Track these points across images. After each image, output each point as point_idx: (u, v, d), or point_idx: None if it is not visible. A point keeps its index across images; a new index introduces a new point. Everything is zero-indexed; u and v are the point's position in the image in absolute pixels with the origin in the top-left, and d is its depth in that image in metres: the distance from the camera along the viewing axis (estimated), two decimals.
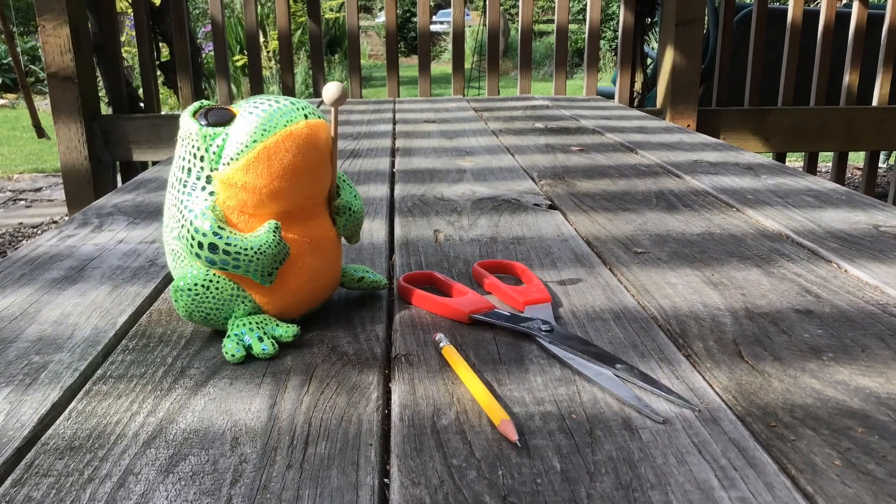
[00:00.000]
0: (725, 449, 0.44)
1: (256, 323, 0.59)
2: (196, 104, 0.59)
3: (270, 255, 0.57)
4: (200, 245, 0.57)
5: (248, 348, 0.57)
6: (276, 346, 0.58)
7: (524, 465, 0.43)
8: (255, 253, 0.56)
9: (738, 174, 1.22)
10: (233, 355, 0.56)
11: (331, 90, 0.56)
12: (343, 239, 0.66)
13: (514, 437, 0.45)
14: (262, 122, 0.55)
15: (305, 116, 0.56)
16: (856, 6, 2.48)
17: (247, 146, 0.55)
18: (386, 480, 0.43)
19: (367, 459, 0.44)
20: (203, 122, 0.57)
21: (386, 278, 0.71)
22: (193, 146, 0.57)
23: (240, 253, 0.56)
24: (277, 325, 0.59)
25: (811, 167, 2.77)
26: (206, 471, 0.43)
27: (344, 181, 0.65)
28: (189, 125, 0.57)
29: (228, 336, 0.58)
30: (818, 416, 0.48)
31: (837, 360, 0.56)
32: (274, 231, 0.57)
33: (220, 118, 0.57)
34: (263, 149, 0.55)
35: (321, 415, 0.49)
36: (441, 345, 0.57)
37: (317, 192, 0.60)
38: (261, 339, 0.57)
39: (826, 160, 4.01)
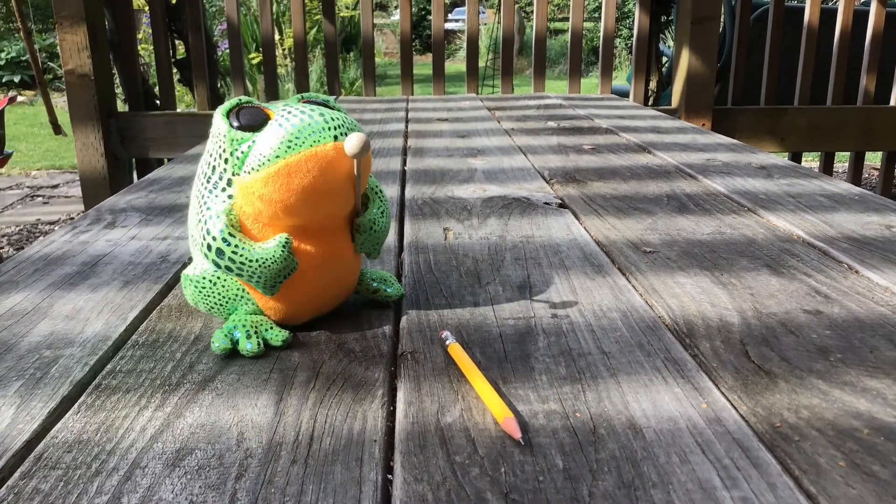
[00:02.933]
0: (729, 448, 0.44)
1: (252, 322, 0.59)
2: (234, 101, 0.58)
3: (275, 269, 0.57)
4: (209, 247, 0.57)
5: (236, 343, 0.58)
6: (262, 346, 0.58)
7: (527, 463, 0.43)
8: (260, 265, 0.57)
9: (751, 174, 1.22)
10: (217, 346, 0.57)
11: (352, 142, 0.54)
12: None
13: (517, 434, 0.46)
14: (288, 137, 0.54)
15: (335, 138, 0.54)
16: (874, 5, 2.46)
17: (269, 159, 0.54)
18: (389, 476, 0.43)
19: (371, 455, 0.44)
20: (234, 123, 0.56)
21: (398, 282, 0.70)
22: (220, 146, 0.57)
23: (244, 262, 0.57)
24: (271, 327, 0.60)
25: (827, 167, 2.75)
26: (211, 465, 0.44)
27: (376, 194, 0.63)
28: (220, 124, 0.57)
29: (220, 329, 0.59)
30: (824, 416, 0.48)
31: (845, 361, 0.56)
32: (283, 246, 0.57)
33: (252, 120, 0.56)
34: (285, 165, 0.54)
35: (327, 411, 0.49)
36: (447, 342, 0.58)
37: (337, 212, 0.59)
38: (248, 338, 0.58)
39: (843, 160, 3.97)
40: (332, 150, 0.54)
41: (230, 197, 0.57)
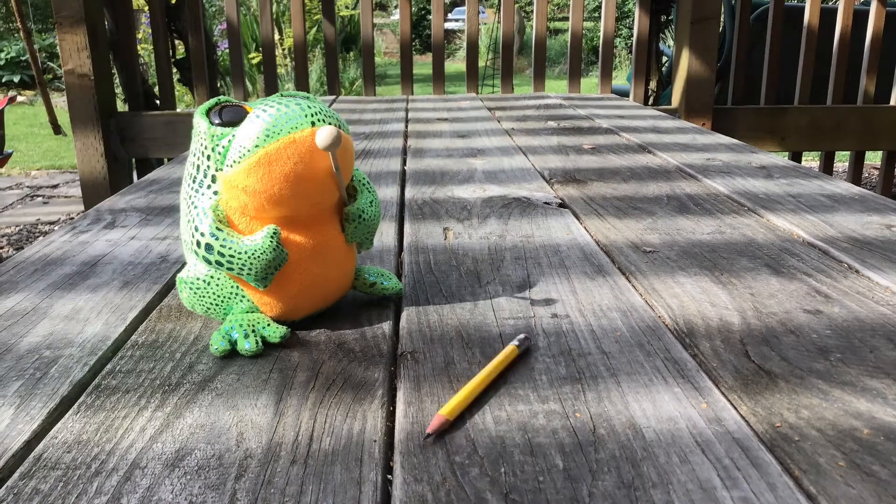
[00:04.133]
0: (729, 448, 0.44)
1: (248, 321, 0.59)
2: (213, 100, 0.59)
3: (265, 260, 0.57)
4: (198, 243, 0.57)
5: (234, 344, 0.58)
6: (261, 345, 0.58)
7: (527, 463, 0.43)
8: (249, 257, 0.57)
9: (751, 174, 1.22)
10: (216, 349, 0.57)
11: (322, 135, 0.54)
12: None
13: (430, 428, 0.46)
14: (266, 126, 0.55)
15: (313, 123, 0.55)
16: (874, 5, 2.46)
17: (249, 150, 0.55)
18: (389, 476, 0.43)
19: (370, 456, 0.44)
20: (216, 121, 0.57)
21: (399, 281, 0.70)
22: (202, 144, 0.58)
23: (234, 256, 0.57)
24: (268, 324, 0.60)
25: (828, 167, 2.75)
26: (211, 465, 0.44)
27: (364, 185, 0.64)
28: (200, 123, 0.58)
29: (218, 330, 0.59)
30: (824, 416, 0.48)
31: (845, 361, 0.56)
32: (271, 237, 0.57)
33: (234, 117, 0.57)
34: (265, 154, 0.54)
35: (326, 411, 0.49)
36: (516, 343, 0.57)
37: (322, 200, 0.59)
38: (246, 337, 0.58)
39: (843, 159, 3.97)
40: (310, 136, 0.55)
41: (216, 193, 0.58)
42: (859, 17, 2.52)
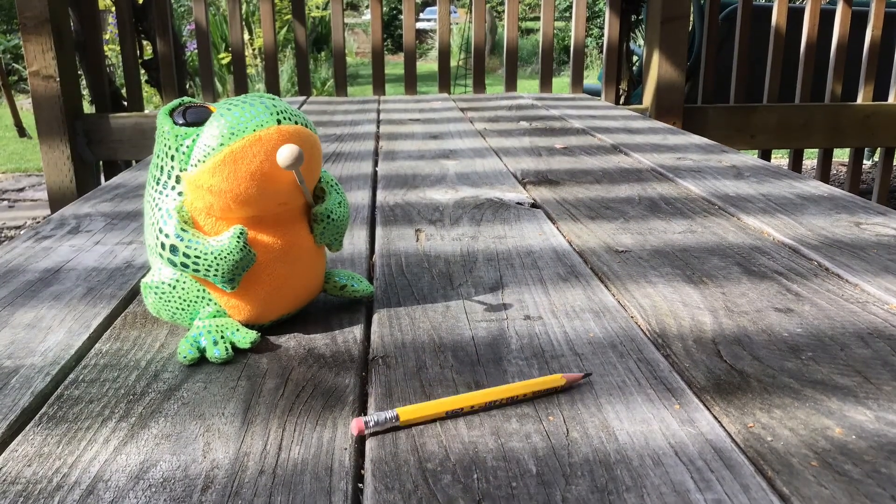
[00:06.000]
0: (702, 450, 0.44)
1: (216, 326, 0.58)
2: (176, 101, 0.58)
3: (232, 261, 0.56)
4: (163, 246, 0.56)
5: (203, 351, 0.56)
6: (231, 351, 0.57)
7: (499, 469, 0.43)
8: (216, 258, 0.56)
9: (721, 172, 1.22)
10: (184, 357, 0.56)
11: (284, 154, 0.53)
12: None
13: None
14: (230, 124, 0.54)
15: (279, 122, 0.54)
16: (840, 6, 2.49)
17: (213, 149, 0.54)
18: (360, 485, 0.42)
19: (341, 464, 0.44)
20: (180, 121, 0.56)
21: (370, 283, 0.69)
22: (166, 144, 0.56)
23: (199, 257, 0.56)
24: (238, 329, 0.58)
25: (796, 164, 2.78)
26: (176, 477, 0.42)
27: (332, 186, 0.63)
28: (163, 123, 0.57)
29: (185, 337, 0.58)
30: (796, 415, 0.48)
31: (816, 359, 0.56)
32: (237, 237, 0.56)
33: (199, 117, 0.56)
34: (230, 152, 0.53)
35: (296, 419, 0.48)
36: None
37: (290, 199, 0.58)
38: (215, 343, 0.57)
39: (812, 157, 4.02)
40: (275, 134, 0.54)
41: (180, 194, 0.56)
42: (827, 16, 2.54)
